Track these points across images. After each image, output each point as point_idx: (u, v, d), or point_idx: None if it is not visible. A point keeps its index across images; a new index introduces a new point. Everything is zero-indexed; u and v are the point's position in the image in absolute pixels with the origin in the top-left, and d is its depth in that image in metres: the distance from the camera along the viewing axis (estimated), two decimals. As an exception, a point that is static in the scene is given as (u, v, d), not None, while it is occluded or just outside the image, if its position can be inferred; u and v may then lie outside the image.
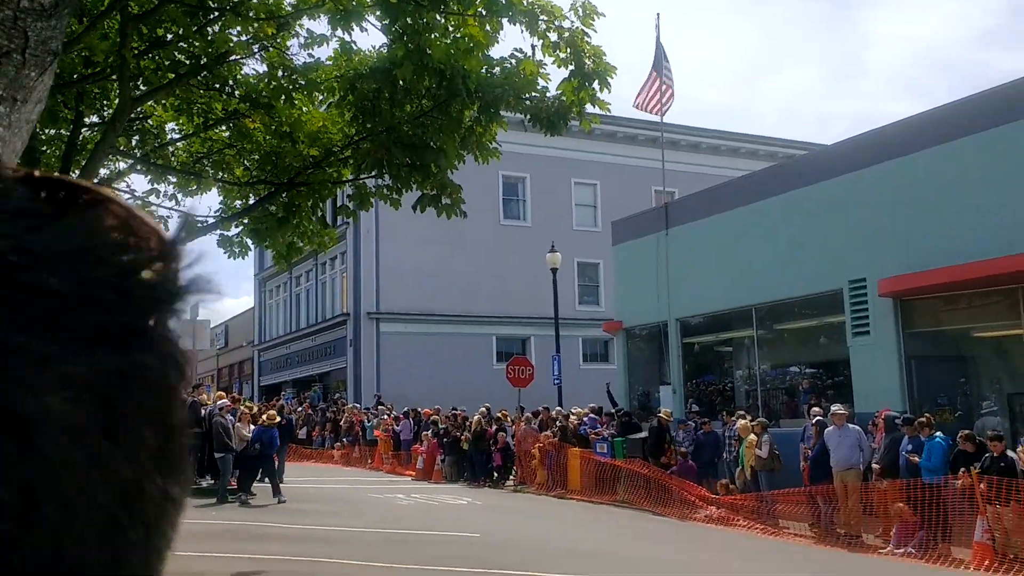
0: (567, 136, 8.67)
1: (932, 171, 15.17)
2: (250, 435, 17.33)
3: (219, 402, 18.28)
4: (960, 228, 14.53)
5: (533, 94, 8.02)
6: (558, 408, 22.21)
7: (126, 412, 0.37)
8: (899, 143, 15.82)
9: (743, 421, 15.95)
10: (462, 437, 22.04)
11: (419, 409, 25.84)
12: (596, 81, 7.35)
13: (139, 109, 9.49)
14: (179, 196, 10.31)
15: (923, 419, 13.06)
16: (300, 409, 32.23)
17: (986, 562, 10.90)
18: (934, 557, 11.57)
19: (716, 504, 15.37)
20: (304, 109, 9.34)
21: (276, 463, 17.66)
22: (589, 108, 8.16)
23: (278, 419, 18.28)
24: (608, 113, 8.96)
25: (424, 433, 23.86)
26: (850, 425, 13.74)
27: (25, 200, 0.37)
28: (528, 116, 7.99)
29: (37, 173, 0.40)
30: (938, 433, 12.77)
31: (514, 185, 35.67)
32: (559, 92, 7.81)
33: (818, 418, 14.44)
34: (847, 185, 16.64)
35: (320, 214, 9.39)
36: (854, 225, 16.41)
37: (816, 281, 17.05)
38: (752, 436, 15.33)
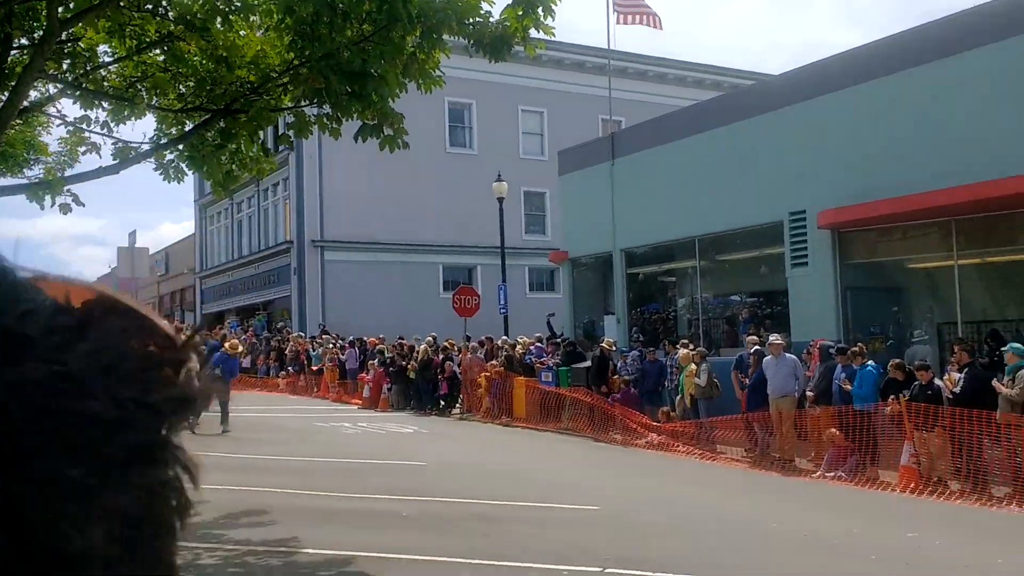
0: (513, 62, 8.53)
1: (870, 105, 15.33)
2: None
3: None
4: (897, 162, 14.78)
5: (476, 19, 7.81)
6: (504, 337, 22.38)
7: (151, 529, 0.40)
8: (839, 76, 15.93)
9: (684, 350, 16.26)
10: (408, 366, 22.13)
11: (364, 338, 25.80)
12: (540, 7, 7.19)
13: (70, 31, 9.06)
14: (111, 123, 9.94)
15: (856, 349, 13.46)
16: (244, 338, 31.94)
17: (911, 484, 11.39)
18: (863, 480, 12.05)
19: (657, 431, 15.74)
20: (242, 33, 9.01)
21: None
22: (534, 33, 7.99)
23: (240, 349, 18.25)
24: (553, 38, 8.80)
25: (370, 362, 23.90)
26: (787, 354, 14.08)
27: (51, 313, 0.39)
28: (471, 42, 7.81)
29: (50, 279, 0.41)
30: (870, 362, 13.18)
31: (460, 112, 35.19)
32: (503, 17, 7.62)
33: (756, 347, 14.77)
34: (789, 117, 16.74)
35: (261, 141, 9.13)
36: (795, 157, 16.57)
37: (758, 213, 17.25)
38: (692, 365, 15.65)
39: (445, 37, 7.97)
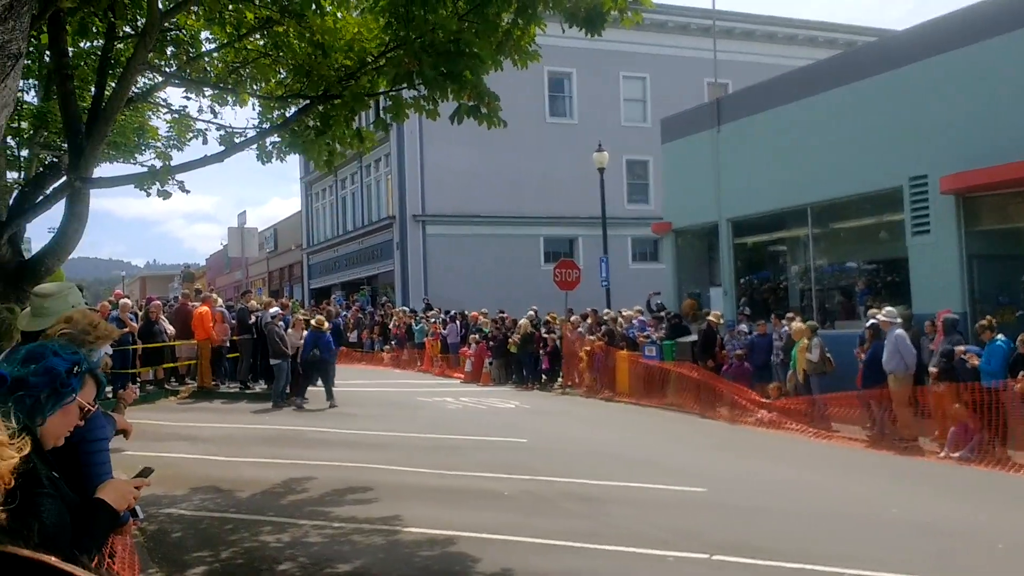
0: (614, 28, 8.22)
1: (999, 61, 14.28)
2: (302, 341, 17.53)
3: (271, 310, 18.48)
4: (1029, 120, 13.75)
5: (571, -8, 7.55)
6: (606, 310, 22.10)
7: None
8: (966, 31, 14.87)
9: (796, 324, 15.67)
10: (510, 340, 22.12)
11: (466, 312, 25.96)
12: (638, -18, 6.87)
13: (172, 20, 9.22)
14: (215, 108, 10.14)
15: (984, 322, 12.64)
16: (348, 313, 32.62)
17: (1044, 467, 10.67)
18: (991, 462, 11.35)
19: (767, 408, 15.26)
20: (338, 15, 8.98)
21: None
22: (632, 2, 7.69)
23: (326, 324, 18.29)
24: (652, 9, 8.45)
25: (472, 336, 24.01)
26: (895, 330, 13.30)
27: None
28: (566, 17, 7.55)
29: None
30: (999, 336, 12.35)
31: (560, 81, 34.78)
32: (599, -7, 7.33)
33: (872, 321, 14.08)
34: (910, 76, 15.79)
35: (356, 127, 9.13)
36: (916, 119, 15.64)
37: (875, 178, 16.42)
38: (804, 339, 15.06)
39: (540, 11, 7.73)
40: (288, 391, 17.26)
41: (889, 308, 13.88)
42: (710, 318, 17.80)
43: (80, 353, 2.72)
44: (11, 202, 9.12)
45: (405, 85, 7.82)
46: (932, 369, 13.05)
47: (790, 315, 16.75)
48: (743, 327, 17.61)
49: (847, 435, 13.80)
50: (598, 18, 7.26)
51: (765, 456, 12.37)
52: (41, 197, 9.21)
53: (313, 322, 17.81)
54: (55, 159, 10.62)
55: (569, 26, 7.54)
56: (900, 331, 13.24)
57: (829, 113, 17.48)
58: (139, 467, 3.30)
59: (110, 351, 3.83)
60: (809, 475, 10.96)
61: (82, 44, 10.08)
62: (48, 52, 8.79)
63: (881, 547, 7.52)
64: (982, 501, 9.38)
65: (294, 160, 43.64)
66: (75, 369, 2.61)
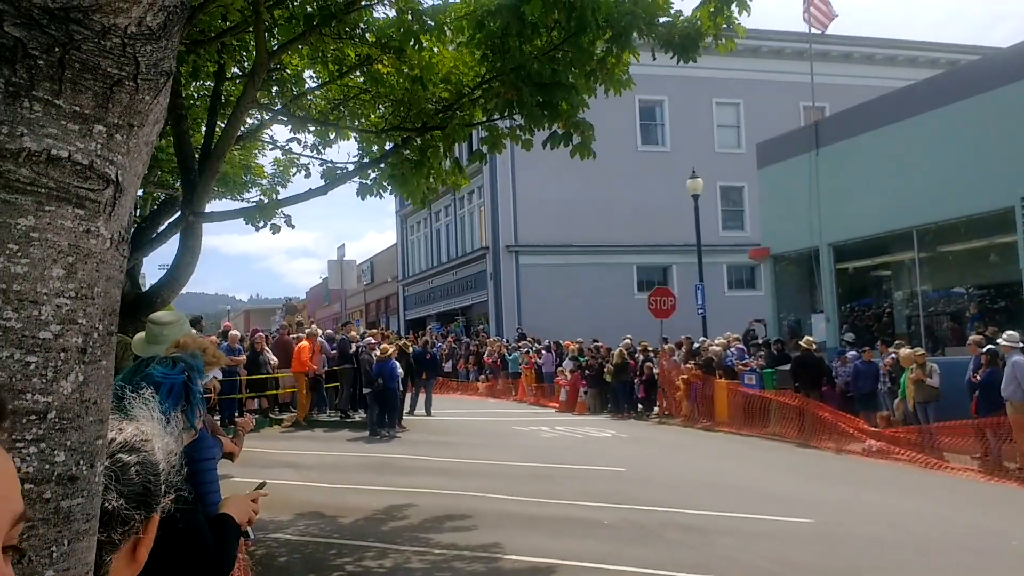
0: (706, 54, 8.19)
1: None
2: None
3: (365, 339, 18.79)
4: None
5: (665, 19, 7.57)
6: (703, 339, 21.77)
7: None
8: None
9: (905, 350, 15.12)
10: (605, 369, 21.98)
11: (560, 341, 25.93)
12: (734, 3, 6.82)
13: (277, 60, 9.62)
14: (319, 146, 10.49)
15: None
16: (443, 344, 32.96)
17: None
18: (1122, 495, 10.69)
19: (876, 437, 14.72)
20: (435, 50, 9.22)
21: (400, 396, 17.88)
22: (726, 26, 7.66)
23: (390, 350, 18.05)
24: (744, 37, 8.39)
25: (561, 366, 23.95)
26: (1015, 356, 12.69)
27: None
28: (660, 43, 7.55)
29: None
30: None
31: (651, 109, 34.70)
32: (694, 16, 7.32)
33: (989, 346, 13.47)
34: (1018, 93, 15.19)
35: (453, 158, 9.31)
36: (1027, 136, 15.01)
37: (984, 199, 15.79)
38: (915, 366, 14.51)
39: (634, 38, 7.77)
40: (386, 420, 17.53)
41: (1010, 332, 13.25)
42: (803, 344, 17.34)
43: (180, 363, 2.79)
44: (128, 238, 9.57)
45: (502, 115, 7.95)
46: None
47: (898, 342, 16.18)
48: (852, 354, 17.08)
49: (959, 464, 13.20)
50: (692, 44, 7.24)
51: (874, 486, 11.92)
52: (156, 233, 9.68)
53: (378, 351, 17.63)
54: (168, 196, 11.17)
55: (664, 52, 7.54)
56: (1020, 357, 12.63)
57: (933, 133, 16.93)
58: (247, 492, 3.39)
59: (219, 374, 3.98)
60: (922, 505, 10.51)
61: (194, 84, 10.59)
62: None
63: (1004, 582, 7.16)
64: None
65: (385, 196, 44.85)
66: (189, 376, 2.71)
